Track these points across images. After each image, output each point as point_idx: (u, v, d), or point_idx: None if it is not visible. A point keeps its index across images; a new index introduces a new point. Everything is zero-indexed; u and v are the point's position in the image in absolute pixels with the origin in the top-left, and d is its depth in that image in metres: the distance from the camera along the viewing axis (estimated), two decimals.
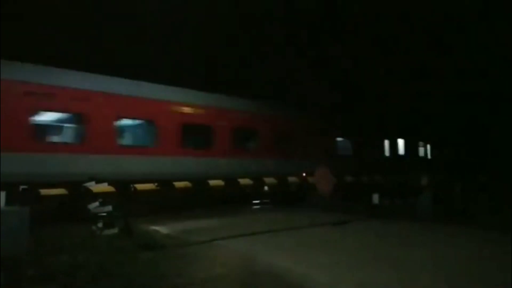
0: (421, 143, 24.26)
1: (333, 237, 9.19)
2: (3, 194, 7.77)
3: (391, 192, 14.34)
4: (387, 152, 20.98)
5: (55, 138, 11.65)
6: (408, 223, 10.86)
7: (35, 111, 10.56)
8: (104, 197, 9.41)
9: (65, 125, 11.82)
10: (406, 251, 7.59)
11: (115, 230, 8.75)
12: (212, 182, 13.09)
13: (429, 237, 9.06)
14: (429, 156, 24.99)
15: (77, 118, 11.29)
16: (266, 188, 15.10)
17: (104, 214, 9.03)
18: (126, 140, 12.95)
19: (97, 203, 9.15)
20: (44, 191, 9.83)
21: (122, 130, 12.64)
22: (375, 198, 12.88)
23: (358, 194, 14.52)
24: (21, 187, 9.41)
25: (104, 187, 10.06)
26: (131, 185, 11.33)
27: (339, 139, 18.56)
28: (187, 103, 13.63)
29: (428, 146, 25.03)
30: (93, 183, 9.80)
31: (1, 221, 6.46)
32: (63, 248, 7.32)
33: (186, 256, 7.27)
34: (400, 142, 22.02)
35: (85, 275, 5.90)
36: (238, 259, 7.21)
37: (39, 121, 10.88)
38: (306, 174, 15.11)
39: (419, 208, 12.00)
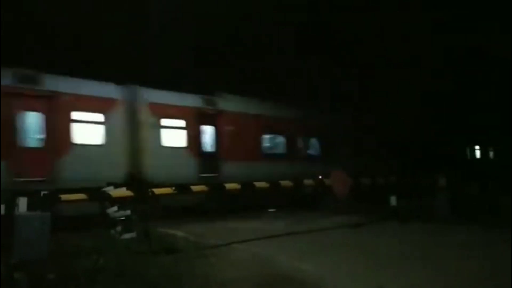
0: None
1: (351, 239, 9.15)
2: (24, 200, 7.91)
3: (407, 193, 14.09)
4: None
5: None
6: (426, 224, 10.74)
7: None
8: (122, 202, 9.52)
9: None
10: (427, 253, 7.52)
11: (133, 234, 8.86)
12: (228, 186, 13.13)
13: (449, 238, 8.95)
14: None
15: None
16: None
17: (123, 218, 9.14)
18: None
19: (115, 208, 9.27)
20: (64, 197, 9.99)
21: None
22: (393, 199, 12.72)
23: (373, 195, 14.34)
24: (42, 192, 9.59)
25: (122, 191, 10.16)
26: (149, 189, 11.44)
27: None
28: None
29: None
30: (111, 187, 9.91)
31: (23, 226, 6.62)
32: (83, 252, 7.45)
33: (203, 259, 7.33)
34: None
35: (104, 279, 6.01)
36: (255, 262, 7.24)
37: None
38: (322, 176, 14.99)
39: (437, 209, 11.84)
